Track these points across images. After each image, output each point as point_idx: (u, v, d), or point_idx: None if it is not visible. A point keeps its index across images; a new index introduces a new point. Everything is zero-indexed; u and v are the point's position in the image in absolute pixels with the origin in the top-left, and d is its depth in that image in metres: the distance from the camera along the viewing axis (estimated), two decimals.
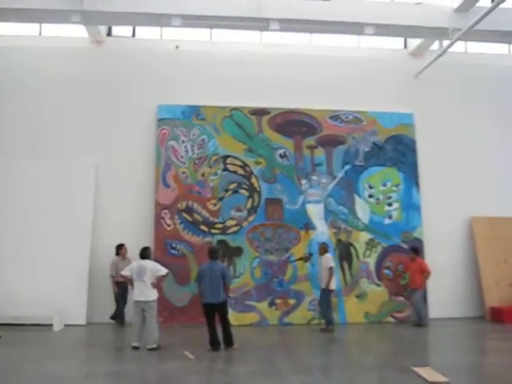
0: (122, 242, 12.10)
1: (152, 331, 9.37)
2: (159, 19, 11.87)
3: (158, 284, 9.76)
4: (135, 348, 9.34)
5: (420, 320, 12.04)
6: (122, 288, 11.83)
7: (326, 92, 13.55)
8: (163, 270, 9.69)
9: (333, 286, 11.56)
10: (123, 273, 9.73)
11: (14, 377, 7.63)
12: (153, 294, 9.51)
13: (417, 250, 12.57)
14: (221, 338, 9.44)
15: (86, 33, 13.10)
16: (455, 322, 12.53)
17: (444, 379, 7.30)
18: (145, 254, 9.80)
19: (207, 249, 10.14)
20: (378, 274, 12.89)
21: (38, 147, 12.84)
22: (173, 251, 12.44)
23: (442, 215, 13.28)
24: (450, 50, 12.32)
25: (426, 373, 7.60)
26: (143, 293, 9.42)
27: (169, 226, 12.61)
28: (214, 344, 9.34)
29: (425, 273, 12.21)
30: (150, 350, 9.25)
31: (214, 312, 9.42)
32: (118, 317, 11.96)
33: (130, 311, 11.49)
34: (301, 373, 7.98)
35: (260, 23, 12.17)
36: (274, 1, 11.92)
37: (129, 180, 12.88)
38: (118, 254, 12.14)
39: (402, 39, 14.57)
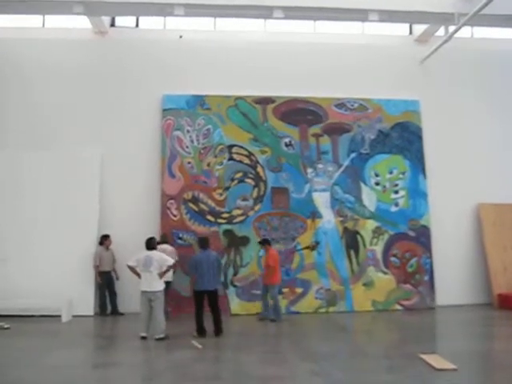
0: (127, 232, 12.20)
1: (159, 321, 9.42)
2: (162, 9, 11.83)
3: (163, 274, 9.77)
4: (143, 338, 9.39)
5: (278, 315, 11.33)
6: (105, 278, 12.09)
7: (331, 80, 13.48)
8: (170, 260, 9.75)
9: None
10: (129, 263, 9.74)
11: (24, 368, 7.69)
12: (159, 285, 9.55)
13: (267, 240, 11.84)
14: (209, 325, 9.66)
15: (90, 24, 13.04)
16: (463, 308, 12.52)
17: (452, 366, 7.30)
18: (151, 244, 9.81)
19: (199, 238, 10.73)
20: (385, 261, 12.86)
21: (43, 139, 12.85)
22: (179, 241, 12.46)
23: (448, 202, 13.22)
24: (455, 35, 12.22)
25: (433, 360, 7.60)
26: (150, 283, 9.46)
27: (175, 216, 12.63)
28: (201, 331, 9.58)
29: (269, 267, 11.33)
30: (157, 339, 9.30)
31: (204, 299, 9.67)
32: (101, 307, 12.12)
33: (123, 302, 12.00)
34: (308, 361, 8.01)
35: (264, 11, 12.12)
36: None
37: (134, 171, 12.89)
38: (101, 244, 12.22)
39: (407, 25, 14.44)
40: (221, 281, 10.02)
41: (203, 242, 10.05)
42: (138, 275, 9.65)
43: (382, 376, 7.24)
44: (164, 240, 11.81)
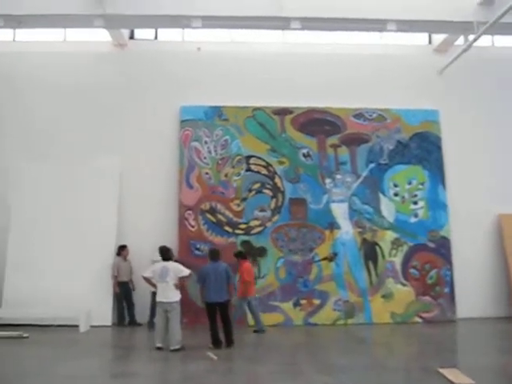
0: (145, 243, 12.22)
1: (175, 332, 9.41)
2: (180, 21, 11.88)
3: (180, 285, 9.79)
4: (159, 349, 9.38)
5: (260, 326, 11.34)
6: (123, 289, 12.17)
7: (350, 90, 13.42)
8: (186, 271, 9.76)
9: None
10: (145, 274, 9.79)
11: (41, 377, 7.77)
12: (176, 296, 9.56)
13: (241, 253, 11.69)
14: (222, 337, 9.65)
15: (109, 37, 13.23)
16: (484, 321, 12.26)
17: (470, 381, 7.14)
18: (167, 255, 9.84)
19: (209, 250, 10.66)
20: (404, 273, 12.69)
21: (63, 151, 13.02)
22: (197, 252, 12.47)
23: (469, 213, 13.01)
24: (475, 44, 12.06)
25: (452, 374, 7.44)
26: (166, 294, 9.46)
27: (193, 226, 12.65)
28: (217, 343, 9.54)
29: (246, 282, 11.08)
30: (173, 350, 9.28)
31: (216, 311, 9.63)
32: (119, 317, 12.20)
33: (140, 313, 12.09)
34: (324, 373, 7.91)
35: (281, 22, 12.10)
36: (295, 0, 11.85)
37: (153, 181, 12.97)
38: (119, 254, 12.29)
39: (426, 35, 14.35)
40: (229, 293, 9.80)
41: (213, 254, 10.04)
42: (154, 286, 9.68)
43: None
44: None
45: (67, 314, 11.46)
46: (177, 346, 9.33)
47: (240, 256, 11.50)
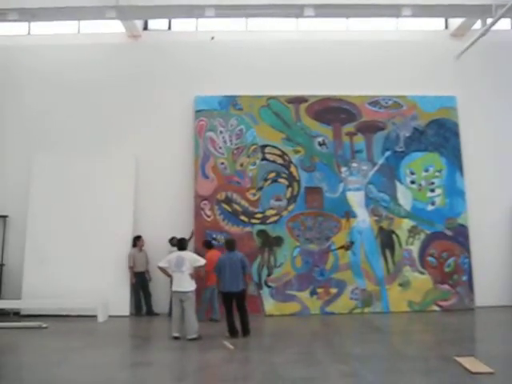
0: (161, 233, 12.25)
1: (192, 321, 9.49)
2: (193, 10, 11.85)
3: (196, 274, 9.87)
4: (176, 338, 9.46)
5: (216, 316, 11.33)
6: (139, 279, 12.27)
7: (365, 77, 13.27)
8: (201, 261, 9.86)
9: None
10: (161, 264, 9.89)
11: (60, 366, 7.89)
12: (191, 285, 9.64)
13: (207, 242, 11.79)
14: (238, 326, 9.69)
15: (123, 28, 13.24)
16: (502, 310, 12.14)
17: (488, 370, 7.08)
18: (183, 245, 9.93)
19: (225, 240, 10.86)
20: (421, 261, 12.59)
21: (80, 143, 13.13)
22: (213, 242, 12.43)
23: (487, 200, 12.85)
24: (493, 28, 11.81)
25: (469, 363, 7.38)
26: (182, 284, 9.53)
27: (209, 216, 12.68)
28: (233, 332, 9.58)
29: (206, 271, 10.58)
30: (190, 340, 9.35)
31: (233, 301, 9.64)
32: (137, 307, 12.30)
33: (157, 302, 12.18)
34: (340, 362, 7.92)
35: (295, 10, 12.00)
36: None
37: (168, 172, 13.01)
38: (135, 245, 12.39)
39: (442, 20, 14.12)
40: (245, 282, 9.81)
41: (228, 244, 10.07)
42: (170, 276, 9.76)
43: (415, 378, 7.11)
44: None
45: (85, 304, 11.65)
46: (194, 335, 9.40)
47: (206, 246, 11.62)
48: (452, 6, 12.06)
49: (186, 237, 11.44)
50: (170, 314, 11.41)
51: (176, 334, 9.50)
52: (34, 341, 9.76)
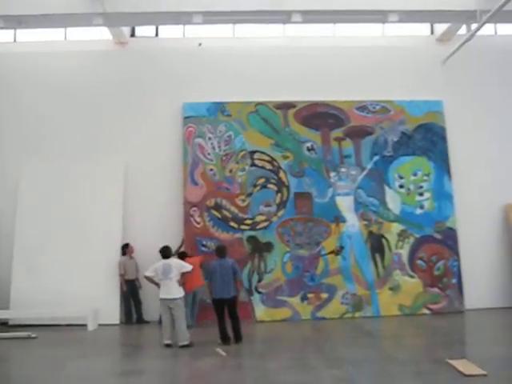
0: (151, 240, 11.96)
1: (183, 328, 9.45)
2: (180, 17, 11.86)
3: (182, 281, 9.91)
4: (168, 346, 9.40)
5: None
6: (130, 287, 12.22)
7: (352, 83, 13.34)
8: (188, 267, 9.90)
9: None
10: (147, 274, 9.85)
11: (50, 376, 7.80)
12: (179, 292, 9.64)
13: (182, 253, 11.76)
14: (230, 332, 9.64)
15: (110, 35, 13.20)
16: (492, 312, 12.22)
17: (481, 372, 7.11)
18: (168, 253, 9.94)
19: (216, 247, 10.71)
20: (411, 265, 12.64)
21: (67, 150, 13.06)
22: (203, 248, 12.44)
23: (475, 203, 12.94)
24: (478, 33, 11.95)
25: (462, 365, 7.41)
26: (170, 291, 9.53)
27: (198, 223, 12.63)
28: (225, 339, 9.53)
29: None
30: (181, 346, 9.32)
31: (224, 307, 9.61)
32: (127, 315, 12.22)
33: (149, 310, 12.11)
34: (333, 367, 7.90)
35: (282, 16, 12.07)
36: None
37: (157, 179, 12.96)
38: (124, 253, 12.34)
39: (428, 25, 14.24)
40: (236, 288, 9.86)
41: (219, 251, 10.02)
42: (157, 285, 9.75)
43: (408, 382, 7.14)
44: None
45: (75, 313, 11.52)
46: (185, 342, 9.35)
47: (181, 256, 11.46)
48: (437, 12, 12.18)
49: (178, 244, 11.45)
50: (160, 321, 11.34)
51: (168, 342, 9.45)
52: (23, 351, 9.62)
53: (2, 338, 10.53)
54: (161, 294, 9.62)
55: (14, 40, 13.93)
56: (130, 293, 12.23)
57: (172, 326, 9.52)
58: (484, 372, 7.09)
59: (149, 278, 9.85)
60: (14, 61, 13.44)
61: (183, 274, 9.88)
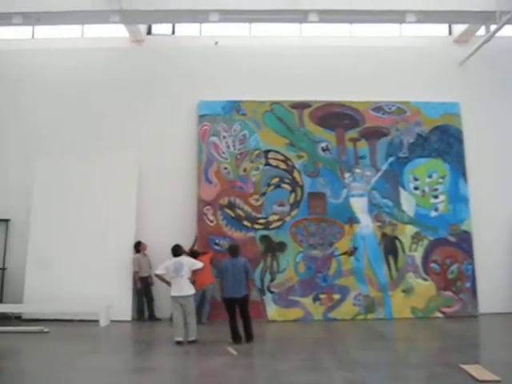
0: (164, 238, 11.90)
1: (194, 324, 9.64)
2: (197, 15, 11.89)
3: (193, 278, 10.02)
4: (179, 343, 9.44)
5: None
6: (144, 284, 12.25)
7: (368, 83, 13.27)
8: (199, 264, 10.00)
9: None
10: (158, 272, 9.90)
11: (62, 371, 7.81)
12: (191, 289, 9.73)
13: (195, 252, 11.73)
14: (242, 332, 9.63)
15: (127, 33, 13.25)
16: (506, 316, 12.06)
17: (495, 378, 7.00)
18: (179, 251, 9.99)
19: (228, 246, 10.76)
20: (424, 268, 12.54)
21: (83, 147, 13.12)
22: (216, 247, 12.45)
23: (491, 206, 12.81)
24: (497, 34, 11.84)
25: (475, 371, 7.30)
26: (182, 288, 9.61)
27: (211, 221, 12.64)
28: (237, 338, 9.51)
29: None
30: (190, 342, 9.49)
31: (235, 307, 9.60)
32: (139, 312, 12.29)
33: (161, 307, 12.13)
34: (344, 369, 7.83)
35: (298, 15, 12.08)
36: None
37: (171, 177, 12.97)
38: (138, 251, 12.36)
39: (446, 26, 14.12)
40: (248, 288, 9.79)
41: (232, 250, 10.00)
42: (168, 283, 9.82)
43: None
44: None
45: (87, 308, 11.58)
46: (193, 338, 9.53)
47: (194, 255, 11.38)
48: (456, 13, 12.12)
49: (191, 242, 11.51)
50: (171, 319, 11.38)
51: (179, 339, 9.49)
52: (35, 345, 9.70)
53: (15, 331, 10.63)
54: (172, 292, 9.67)
55: (32, 37, 14.04)
56: (144, 290, 12.27)
57: (183, 323, 9.59)
58: (497, 378, 6.97)
59: (159, 276, 9.91)
60: (29, 57, 13.58)
61: (194, 272, 9.97)
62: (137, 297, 12.33)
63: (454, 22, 13.52)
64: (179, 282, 9.60)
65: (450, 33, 14.12)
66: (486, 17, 11.92)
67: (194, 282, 10.12)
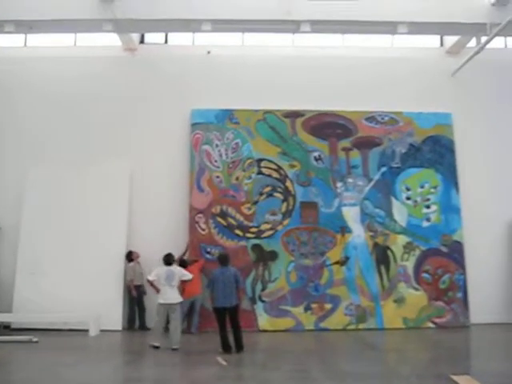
0: (156, 246, 11.92)
1: (178, 332, 9.80)
2: (189, 25, 11.90)
3: (182, 287, 10.35)
4: (156, 347, 9.65)
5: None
6: (137, 293, 12.21)
7: (361, 93, 13.32)
8: (188, 275, 10.26)
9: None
10: (150, 278, 10.13)
11: (51, 382, 7.72)
12: (179, 297, 10.05)
13: (184, 261, 11.69)
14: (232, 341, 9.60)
15: (120, 41, 13.26)
16: (497, 327, 12.08)
17: None
18: (170, 260, 10.21)
19: (218, 255, 10.81)
20: (416, 277, 12.54)
21: (75, 155, 13.07)
22: (208, 256, 12.40)
23: (482, 217, 12.85)
24: (488, 46, 11.93)
25: (465, 381, 7.30)
26: (172, 296, 9.87)
27: (203, 230, 12.61)
28: (226, 347, 9.48)
29: None
30: (173, 349, 9.60)
31: (226, 316, 9.58)
32: (130, 321, 12.22)
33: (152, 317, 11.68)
34: (334, 380, 7.81)
35: (291, 25, 12.09)
36: (305, 2, 11.80)
37: (163, 185, 12.97)
38: (130, 260, 12.30)
39: (438, 37, 14.21)
40: (238, 297, 9.77)
41: (222, 259, 10.01)
42: (158, 290, 10.04)
43: None
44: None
45: (77, 318, 11.50)
46: (177, 346, 9.66)
47: (182, 265, 11.30)
48: (447, 24, 12.18)
49: (182, 250, 11.51)
50: (166, 328, 11.36)
51: (157, 344, 9.71)
52: (24, 355, 9.60)
53: (3, 341, 10.52)
54: (161, 299, 9.91)
55: (25, 45, 14.01)
56: (136, 299, 12.19)
57: (165, 330, 9.92)
58: None
59: (151, 282, 10.16)
60: (22, 66, 13.50)
61: (183, 282, 10.26)
62: (129, 306, 12.24)
63: (446, 34, 13.61)
64: (169, 291, 9.85)
65: (442, 44, 14.20)
66: (477, 28, 11.99)
67: (182, 291, 10.15)
